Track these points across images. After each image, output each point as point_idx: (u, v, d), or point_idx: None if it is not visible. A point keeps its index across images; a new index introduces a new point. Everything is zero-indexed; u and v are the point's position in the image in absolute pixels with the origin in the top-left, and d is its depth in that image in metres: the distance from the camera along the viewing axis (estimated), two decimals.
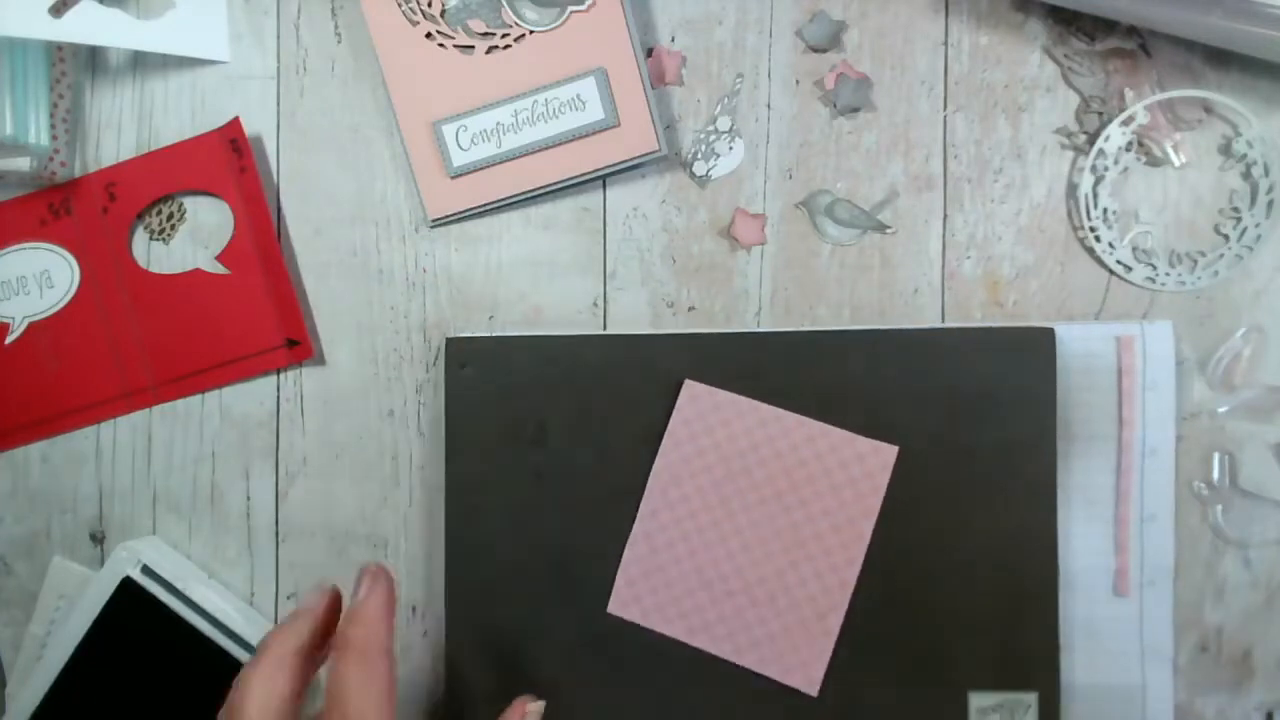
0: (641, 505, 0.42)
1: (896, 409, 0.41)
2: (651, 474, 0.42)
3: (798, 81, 0.44)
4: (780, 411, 0.41)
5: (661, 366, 0.42)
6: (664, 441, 0.42)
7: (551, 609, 0.42)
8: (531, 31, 0.42)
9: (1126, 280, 0.42)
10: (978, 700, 0.40)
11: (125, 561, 0.43)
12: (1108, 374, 0.42)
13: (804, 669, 0.41)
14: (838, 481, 0.41)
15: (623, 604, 0.42)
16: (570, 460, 0.43)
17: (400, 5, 0.43)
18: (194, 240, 0.46)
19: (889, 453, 0.41)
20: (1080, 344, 0.42)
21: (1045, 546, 0.41)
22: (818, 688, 0.41)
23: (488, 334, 0.44)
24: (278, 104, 0.46)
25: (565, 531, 0.42)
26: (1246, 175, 0.42)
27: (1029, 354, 0.41)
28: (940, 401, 0.41)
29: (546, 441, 0.43)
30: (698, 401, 0.42)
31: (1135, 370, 0.41)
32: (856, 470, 0.41)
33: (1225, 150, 0.42)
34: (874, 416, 0.41)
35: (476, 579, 0.43)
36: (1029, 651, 0.41)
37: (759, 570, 0.41)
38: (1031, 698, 0.40)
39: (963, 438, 0.41)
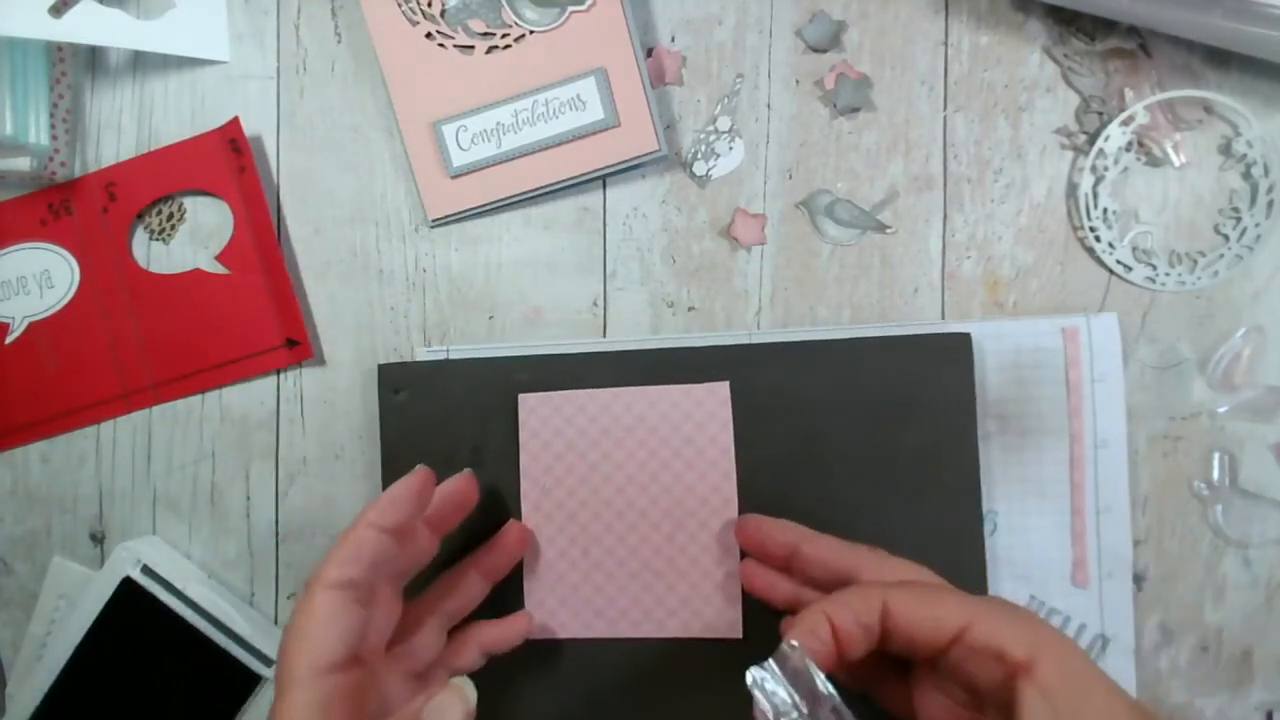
0: None
1: (821, 415, 0.41)
2: (521, 495, 0.42)
3: (798, 81, 0.44)
4: (614, 390, 0.42)
5: (591, 384, 0.42)
6: (521, 460, 0.42)
7: None
8: (531, 31, 0.42)
9: (1126, 280, 0.42)
10: None
11: (125, 561, 0.43)
12: (1058, 368, 0.42)
13: (722, 617, 0.41)
14: (687, 433, 0.42)
15: (539, 628, 0.42)
16: (506, 482, 0.43)
17: (400, 5, 0.43)
18: (194, 240, 0.46)
19: (722, 389, 0.42)
20: (1029, 338, 0.42)
21: (972, 545, 0.41)
22: (741, 629, 0.41)
23: (422, 359, 0.44)
24: (278, 104, 0.46)
25: None
26: (1246, 175, 0.42)
27: (948, 358, 0.41)
28: (865, 406, 0.41)
29: (483, 464, 0.43)
30: (538, 410, 0.42)
31: (1081, 362, 0.42)
32: (700, 415, 0.42)
33: (1225, 150, 0.42)
34: (801, 423, 0.41)
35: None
36: None
37: (650, 543, 0.42)
38: None
39: (887, 441, 0.41)
